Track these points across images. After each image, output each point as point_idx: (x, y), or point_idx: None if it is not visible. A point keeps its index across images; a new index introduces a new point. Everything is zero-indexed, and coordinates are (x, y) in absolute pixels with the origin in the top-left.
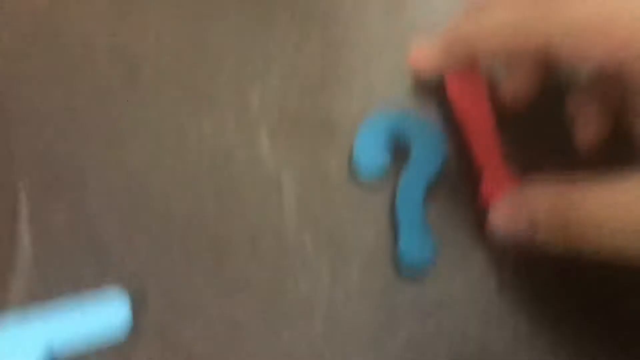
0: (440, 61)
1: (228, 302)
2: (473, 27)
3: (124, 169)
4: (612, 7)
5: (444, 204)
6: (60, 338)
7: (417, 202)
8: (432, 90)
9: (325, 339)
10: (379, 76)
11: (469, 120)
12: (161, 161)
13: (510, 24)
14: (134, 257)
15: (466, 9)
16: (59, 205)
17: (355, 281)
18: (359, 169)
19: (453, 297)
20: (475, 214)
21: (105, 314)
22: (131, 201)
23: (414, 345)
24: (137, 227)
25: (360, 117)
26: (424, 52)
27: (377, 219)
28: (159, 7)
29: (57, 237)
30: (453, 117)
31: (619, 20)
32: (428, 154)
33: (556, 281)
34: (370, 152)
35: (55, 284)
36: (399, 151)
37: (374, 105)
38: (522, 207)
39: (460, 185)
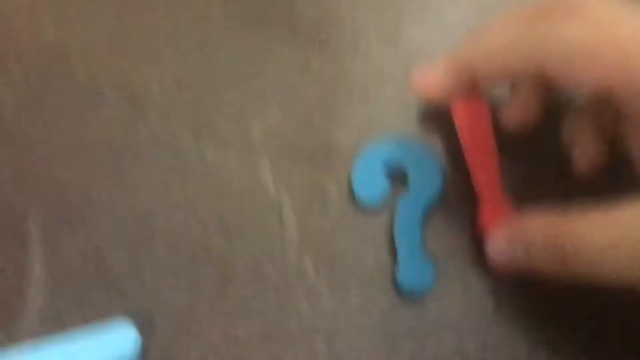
0: (443, 84)
1: (232, 328)
2: (474, 51)
3: (130, 201)
4: (602, 28)
5: (442, 227)
6: None
7: (415, 227)
8: (432, 116)
9: None
10: (377, 105)
11: (471, 147)
12: (166, 192)
13: (507, 46)
14: (142, 286)
15: (470, 33)
16: (68, 237)
17: (356, 304)
18: (358, 196)
19: (452, 319)
20: (473, 237)
21: (116, 345)
22: (138, 233)
23: None
24: (145, 256)
25: (359, 145)
26: (427, 76)
27: (377, 243)
28: (161, 43)
29: (67, 268)
30: (453, 139)
31: (607, 45)
32: (425, 180)
33: (554, 302)
34: (369, 180)
35: (66, 313)
36: (398, 176)
37: (372, 133)
38: (519, 236)
39: (458, 208)
